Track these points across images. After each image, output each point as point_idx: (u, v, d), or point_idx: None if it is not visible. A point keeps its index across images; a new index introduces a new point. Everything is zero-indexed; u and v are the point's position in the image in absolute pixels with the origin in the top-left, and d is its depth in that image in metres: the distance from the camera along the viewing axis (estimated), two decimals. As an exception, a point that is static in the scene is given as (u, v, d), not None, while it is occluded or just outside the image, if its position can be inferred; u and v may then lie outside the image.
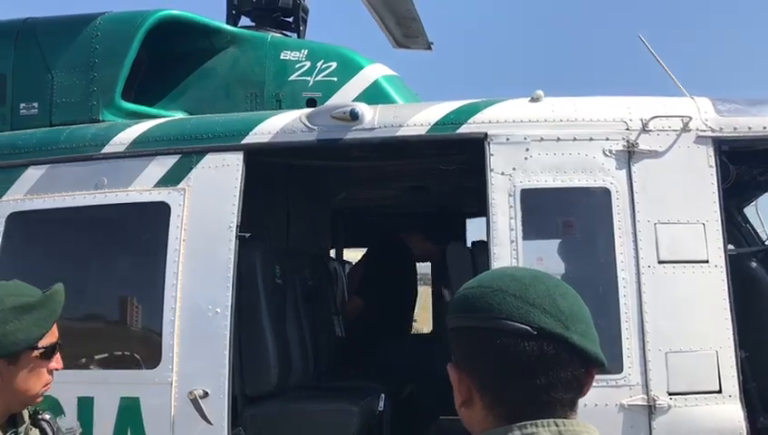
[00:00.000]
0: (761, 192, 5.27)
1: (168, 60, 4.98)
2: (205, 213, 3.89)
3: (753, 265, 4.08)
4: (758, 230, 5.52)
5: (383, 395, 4.39)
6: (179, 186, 3.97)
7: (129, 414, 3.70)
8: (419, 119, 3.91)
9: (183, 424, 3.65)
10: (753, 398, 3.81)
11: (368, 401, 4.25)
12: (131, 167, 4.05)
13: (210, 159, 4.00)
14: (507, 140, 3.79)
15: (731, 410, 3.46)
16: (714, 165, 3.75)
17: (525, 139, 3.78)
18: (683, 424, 3.45)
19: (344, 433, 4.03)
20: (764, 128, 3.81)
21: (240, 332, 3.92)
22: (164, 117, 4.55)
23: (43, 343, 2.18)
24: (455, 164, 5.07)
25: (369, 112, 3.96)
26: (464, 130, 3.86)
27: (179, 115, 4.74)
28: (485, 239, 3.99)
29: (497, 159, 3.76)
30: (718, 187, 3.73)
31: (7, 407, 2.23)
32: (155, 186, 4.01)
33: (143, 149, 4.10)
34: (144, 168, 4.04)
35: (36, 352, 2.18)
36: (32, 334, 2.16)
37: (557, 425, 1.22)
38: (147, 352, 3.87)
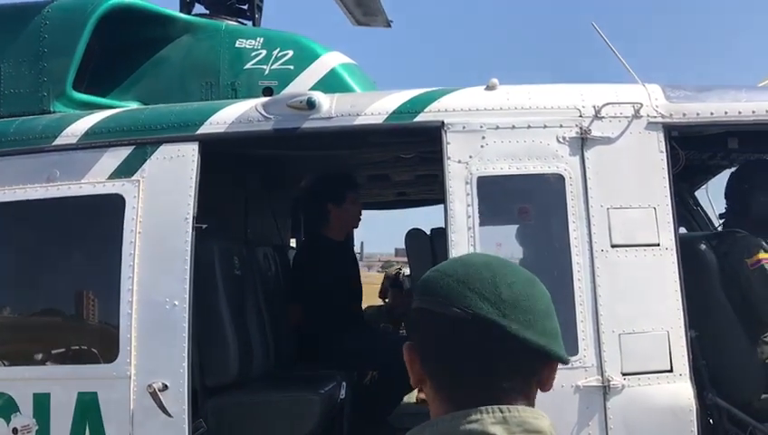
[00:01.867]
0: (711, 176, 5.42)
1: (121, 49, 4.89)
2: (160, 205, 3.85)
3: (703, 247, 4.19)
4: (708, 213, 5.68)
5: (344, 383, 4.41)
6: (134, 177, 3.92)
7: (87, 409, 3.66)
8: (377, 108, 3.92)
9: (142, 418, 3.63)
10: (702, 376, 3.93)
11: (329, 390, 4.28)
12: (84, 159, 3.98)
13: (165, 150, 3.95)
14: (463, 128, 3.82)
15: (682, 388, 3.56)
16: (664, 150, 3.83)
17: (481, 127, 3.82)
18: (636, 403, 3.54)
19: (306, 422, 4.05)
20: (711, 114, 3.90)
21: (199, 323, 3.90)
22: (117, 107, 4.47)
23: None
24: (414, 152, 5.11)
25: (326, 101, 3.95)
26: (421, 118, 3.88)
27: (133, 105, 4.67)
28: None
29: (454, 148, 3.80)
30: (668, 172, 3.82)
31: None
32: (109, 178, 3.95)
33: (96, 141, 4.03)
34: (97, 159, 3.98)
35: None
36: None
37: (502, 411, 1.23)
38: (104, 346, 3.82)
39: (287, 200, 5.98)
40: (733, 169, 4.85)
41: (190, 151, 3.91)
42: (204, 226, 3.84)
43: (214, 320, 4.06)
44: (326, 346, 4.98)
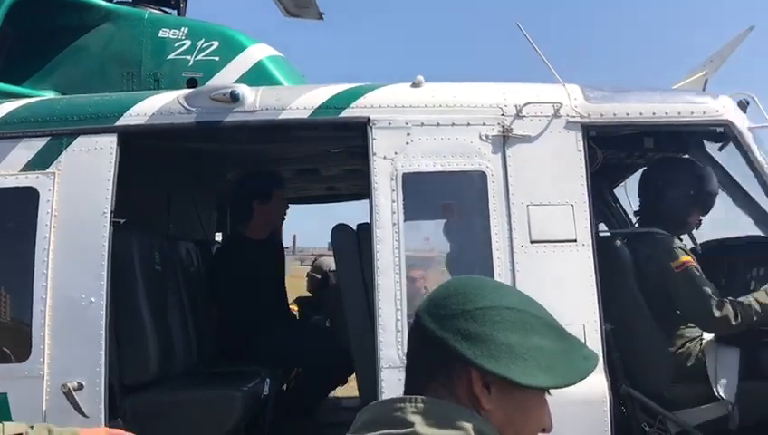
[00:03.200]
0: (629, 174, 5.60)
1: (37, 36, 4.72)
2: (76, 198, 3.73)
3: (618, 244, 4.34)
4: (626, 209, 5.89)
5: (268, 379, 4.38)
6: (49, 170, 3.78)
7: (-4, 410, 3.52)
8: (302, 102, 3.90)
9: (56, 418, 3.49)
10: (616, 367, 4.08)
11: (252, 386, 4.23)
12: None
13: (82, 142, 3.83)
14: (389, 124, 3.84)
15: (596, 381, 3.66)
16: (582, 149, 3.94)
17: (407, 123, 3.84)
18: (553, 396, 3.63)
19: (227, 419, 3.99)
20: (627, 114, 4.04)
21: (118, 320, 3.80)
22: (32, 97, 4.30)
23: None
24: (343, 147, 5.10)
25: (250, 94, 3.91)
26: (347, 114, 3.87)
27: (50, 95, 4.51)
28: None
29: (380, 144, 3.81)
30: (586, 170, 3.93)
31: None
32: (22, 170, 3.79)
33: (9, 131, 3.86)
34: (10, 150, 3.82)
35: None
36: None
37: (423, 402, 1.26)
38: (15, 345, 3.66)
39: (212, 195, 5.87)
40: (645, 168, 5.03)
41: (108, 144, 3.80)
42: (122, 220, 3.74)
43: (132, 316, 3.95)
44: (251, 344, 4.92)
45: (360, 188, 7.00)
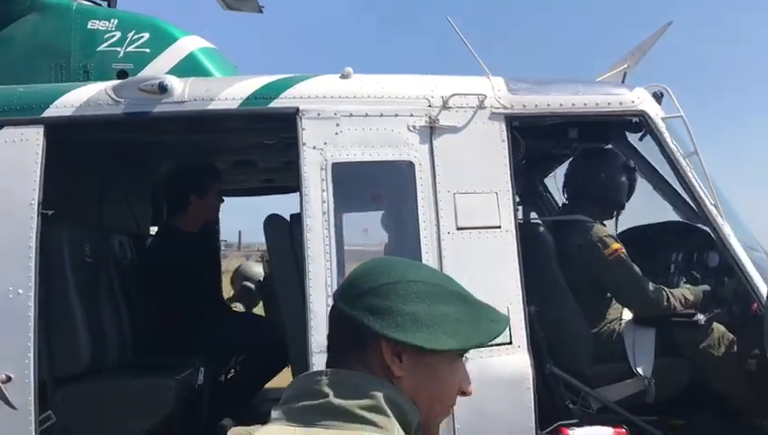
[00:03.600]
0: (558, 164, 5.80)
1: (-40, 26, 4.62)
2: (2, 190, 3.69)
3: (541, 230, 4.52)
4: (557, 199, 6.10)
5: (202, 368, 4.41)
6: None
7: None
8: (231, 93, 3.94)
9: (-16, 411, 3.48)
10: (541, 347, 4.26)
11: (186, 375, 4.26)
12: None
13: (7, 134, 3.79)
14: (318, 115, 3.92)
15: (520, 359, 3.83)
16: (505, 139, 4.08)
17: (336, 114, 3.93)
18: (479, 374, 3.72)
19: (160, 408, 4.01)
20: (548, 105, 4.20)
21: (48, 313, 3.78)
22: (-45, 89, 4.22)
23: None
24: (277, 138, 5.14)
25: (178, 85, 3.93)
26: (275, 104, 3.93)
27: (-28, 87, 4.43)
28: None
29: (309, 134, 3.88)
30: (510, 160, 4.08)
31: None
32: None
33: None
34: None
35: None
36: None
37: (337, 375, 1.36)
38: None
39: (146, 187, 5.83)
40: (570, 158, 5.23)
41: (34, 135, 3.77)
42: (50, 212, 3.72)
43: (62, 308, 3.93)
44: (186, 335, 4.93)
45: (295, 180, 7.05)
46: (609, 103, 4.27)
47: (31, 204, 3.66)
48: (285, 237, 4.34)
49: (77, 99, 3.89)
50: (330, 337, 1.44)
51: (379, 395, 1.32)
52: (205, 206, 5.21)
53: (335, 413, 1.31)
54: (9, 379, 3.48)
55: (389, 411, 1.32)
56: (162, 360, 4.47)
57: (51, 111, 3.83)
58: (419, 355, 1.36)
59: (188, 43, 4.73)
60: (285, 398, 1.38)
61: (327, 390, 1.33)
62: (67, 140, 3.93)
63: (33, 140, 3.76)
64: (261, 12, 6.56)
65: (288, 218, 4.50)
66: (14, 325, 3.53)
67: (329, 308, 1.42)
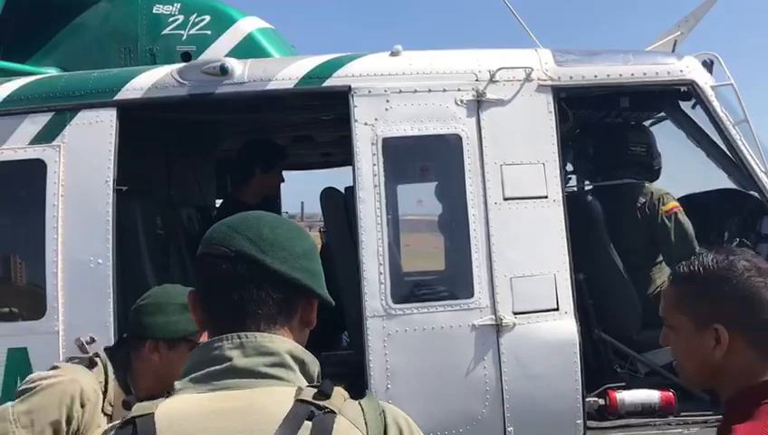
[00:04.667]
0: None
1: (38, 15, 4.97)
2: (81, 169, 4.03)
3: (590, 198, 4.61)
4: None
5: None
6: (54, 143, 4.08)
7: (18, 364, 3.86)
8: (287, 73, 4.15)
9: (72, 369, 3.84)
10: (589, 314, 4.39)
11: None
12: (4, 125, 4.11)
13: (84, 116, 4.11)
14: (369, 92, 4.10)
15: (567, 325, 3.97)
16: (552, 111, 4.18)
17: (386, 91, 4.10)
18: (526, 339, 3.94)
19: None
20: (595, 76, 4.27)
21: (124, 279, 4.12)
22: (36, 74, 4.57)
23: (198, 339, 2.47)
24: (333, 114, 5.35)
25: (239, 67, 4.16)
26: (329, 83, 4.13)
27: (52, 72, 4.77)
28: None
29: (360, 111, 4.07)
30: (557, 130, 4.17)
31: (154, 386, 2.55)
32: (30, 143, 4.09)
33: (16, 108, 4.15)
34: (17, 126, 4.11)
35: (190, 345, 2.49)
36: (189, 328, 2.51)
37: (240, 338, 1.36)
38: (32, 304, 4.01)
39: (210, 162, 6.14)
40: (613, 126, 5.26)
41: (108, 117, 4.08)
42: (124, 188, 4.03)
43: (138, 276, 4.27)
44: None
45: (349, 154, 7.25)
46: (656, 73, 4.31)
47: (107, 181, 3.98)
48: (340, 209, 4.56)
49: (146, 82, 4.17)
50: (243, 293, 1.39)
51: (283, 351, 1.37)
52: (267, 179, 5.45)
53: (241, 374, 1.33)
54: (93, 340, 3.83)
55: (294, 365, 1.37)
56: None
57: (122, 94, 4.13)
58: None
59: (247, 25, 4.96)
60: (187, 369, 1.39)
61: (229, 353, 1.35)
62: (137, 121, 4.23)
63: (107, 121, 4.07)
64: None
65: (343, 191, 4.71)
66: (96, 292, 3.88)
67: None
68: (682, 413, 4.12)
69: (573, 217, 4.14)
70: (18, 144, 4.09)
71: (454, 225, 4.05)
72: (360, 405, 1.36)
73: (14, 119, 4.12)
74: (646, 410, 4.12)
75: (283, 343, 1.39)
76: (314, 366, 1.42)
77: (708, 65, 4.46)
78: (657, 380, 4.32)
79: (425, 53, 4.30)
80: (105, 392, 2.58)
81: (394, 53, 4.24)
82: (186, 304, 2.53)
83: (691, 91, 4.36)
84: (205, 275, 1.44)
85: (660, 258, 4.69)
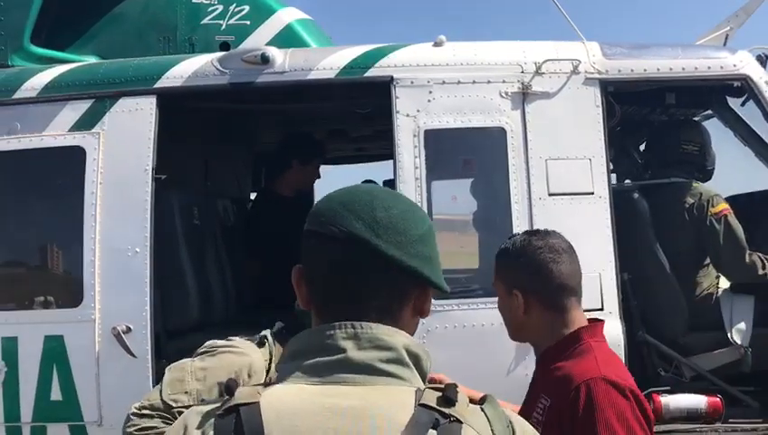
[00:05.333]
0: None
1: (79, 3, 4.95)
2: (120, 156, 4.00)
3: (636, 196, 4.47)
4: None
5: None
6: (94, 130, 4.05)
7: (54, 352, 3.85)
8: (328, 62, 4.08)
9: (108, 358, 3.83)
10: (634, 315, 4.25)
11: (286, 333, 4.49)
12: (44, 112, 4.10)
13: (123, 104, 4.08)
14: (412, 83, 4.01)
15: (612, 326, 3.81)
16: (600, 105, 4.06)
17: (428, 82, 4.01)
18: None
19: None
20: (645, 70, 4.14)
21: (161, 270, 4.08)
22: (75, 61, 4.56)
23: None
24: (370, 107, 5.27)
25: (279, 56, 4.10)
26: (371, 73, 4.05)
27: (91, 60, 4.76)
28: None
29: (403, 102, 3.99)
30: (604, 125, 4.05)
31: None
32: (69, 130, 4.07)
33: (56, 94, 4.14)
34: (57, 112, 4.10)
35: None
36: None
37: (354, 328, 1.24)
38: (69, 292, 4.00)
39: (247, 154, 6.11)
40: (663, 122, 5.11)
41: (148, 105, 4.05)
42: (163, 176, 3.99)
43: (174, 266, 4.24)
44: (285, 294, 5.15)
45: (390, 149, 7.18)
46: (708, 67, 4.16)
47: (146, 169, 3.95)
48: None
49: (186, 70, 4.13)
50: (354, 278, 1.27)
51: (400, 346, 1.25)
52: (304, 173, 5.40)
53: (355, 368, 1.22)
54: (129, 329, 3.80)
55: (410, 362, 1.26)
56: (263, 319, 4.71)
57: (162, 83, 4.10)
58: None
59: (286, 15, 4.90)
60: (292, 353, 1.28)
61: (343, 344, 1.23)
62: (176, 109, 4.19)
63: (147, 109, 4.04)
64: None
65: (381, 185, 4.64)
66: (132, 281, 3.85)
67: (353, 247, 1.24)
68: (729, 420, 3.97)
69: (619, 214, 4.01)
70: (58, 131, 4.07)
71: (497, 219, 3.95)
72: (485, 413, 1.24)
73: (55, 105, 4.11)
74: (692, 416, 3.97)
75: (399, 336, 1.26)
76: (428, 361, 1.29)
77: (763, 60, 4.30)
78: (704, 385, 4.17)
79: (469, 44, 4.20)
80: (268, 371, 2.84)
81: (437, 44, 4.15)
82: None
83: (744, 86, 4.20)
84: (312, 254, 1.32)
85: (707, 261, 4.53)
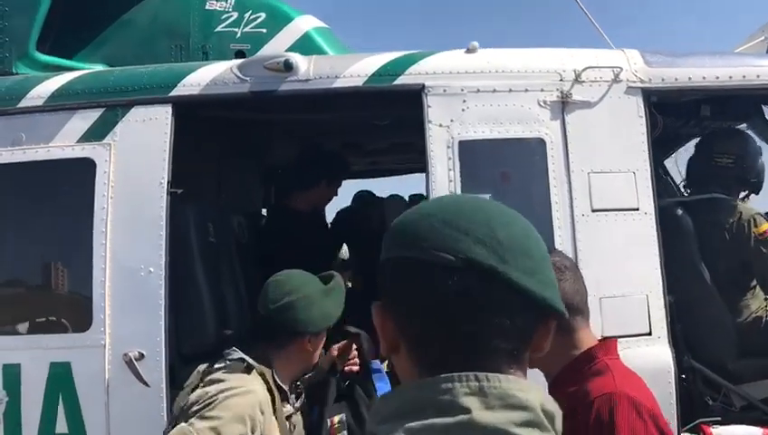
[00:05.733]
0: (680, 145, 5.46)
1: (86, 9, 4.72)
2: (133, 169, 3.73)
3: (680, 212, 4.22)
4: (677, 182, 5.74)
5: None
6: (105, 141, 3.79)
7: (60, 380, 3.56)
8: (356, 70, 3.84)
9: (119, 387, 3.54)
10: (679, 339, 3.98)
11: None
12: (52, 121, 3.84)
13: (137, 113, 3.82)
14: (444, 91, 3.77)
15: (660, 351, 3.59)
16: (643, 115, 3.83)
17: (462, 90, 3.76)
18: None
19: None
20: (690, 79, 3.91)
21: (175, 291, 3.81)
22: (83, 69, 4.31)
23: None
24: (389, 119, 5.04)
25: (303, 63, 3.86)
26: (401, 81, 3.81)
27: (99, 68, 4.51)
28: (423, 192, 3.98)
29: (435, 111, 3.74)
30: (648, 137, 3.82)
31: (298, 374, 2.78)
32: (78, 141, 3.81)
33: (64, 103, 3.88)
34: (65, 122, 3.84)
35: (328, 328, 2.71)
36: (335, 312, 2.73)
37: (479, 380, 1.00)
38: (77, 314, 3.71)
39: (259, 168, 5.84)
40: (703, 135, 4.89)
41: (163, 114, 3.79)
42: (179, 190, 3.73)
43: (190, 287, 3.95)
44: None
45: (404, 163, 6.96)
46: (758, 76, 3.93)
47: (161, 183, 3.68)
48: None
49: (204, 78, 3.88)
50: (474, 317, 1.03)
51: (536, 405, 1.01)
52: (328, 192, 5.17)
53: (484, 434, 0.97)
54: (142, 356, 3.52)
55: (548, 424, 1.02)
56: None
57: (179, 90, 3.84)
58: None
59: (304, 23, 4.68)
60: (395, 411, 1.02)
61: (466, 402, 0.98)
62: (189, 119, 3.93)
63: (162, 118, 3.78)
64: None
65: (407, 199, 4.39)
66: (146, 303, 3.57)
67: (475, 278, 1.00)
68: (785, 453, 3.70)
69: (662, 231, 3.76)
70: (66, 142, 3.81)
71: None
72: None
73: (62, 115, 3.85)
74: (746, 449, 3.71)
75: (534, 391, 1.02)
76: (560, 419, 1.04)
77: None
78: (756, 415, 3.91)
79: (503, 51, 3.97)
80: (272, 396, 2.57)
81: (470, 50, 3.91)
82: (325, 289, 2.73)
83: (795, 95, 3.98)
84: (411, 289, 1.04)
85: (754, 283, 4.27)
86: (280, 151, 5.89)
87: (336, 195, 5.39)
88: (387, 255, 1.10)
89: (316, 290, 2.69)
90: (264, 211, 6.18)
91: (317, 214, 5.58)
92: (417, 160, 6.77)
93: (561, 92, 3.79)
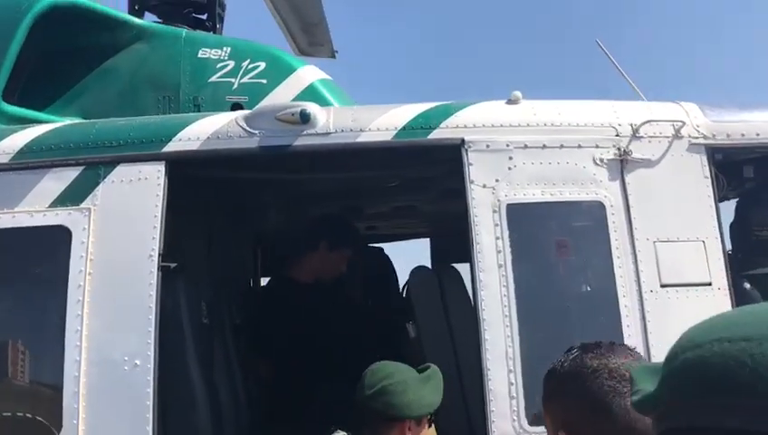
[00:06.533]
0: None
1: (61, 56, 4.17)
2: (117, 239, 3.10)
3: (747, 286, 3.72)
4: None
5: None
6: (83, 205, 3.17)
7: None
8: (383, 122, 3.30)
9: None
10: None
11: None
12: (19, 182, 3.20)
13: (122, 172, 3.22)
14: (487, 147, 3.25)
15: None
16: (709, 175, 3.37)
17: (508, 145, 3.26)
18: None
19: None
20: (757, 134, 3.47)
21: (163, 382, 3.14)
22: (55, 123, 3.71)
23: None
24: (397, 180, 4.52)
25: (321, 114, 3.31)
26: (437, 135, 3.28)
27: (75, 121, 3.92)
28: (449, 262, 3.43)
29: (477, 169, 3.21)
30: (715, 199, 3.35)
31: None
32: (51, 205, 3.18)
33: (35, 160, 3.26)
34: (36, 183, 3.21)
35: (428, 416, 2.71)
36: (434, 400, 2.74)
37: None
38: (44, 416, 2.99)
39: (250, 236, 5.23)
40: (738, 202, 4.44)
41: (155, 173, 3.19)
42: (172, 265, 3.10)
43: (181, 378, 3.29)
44: (299, 402, 4.22)
45: (402, 229, 6.43)
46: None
47: (150, 256, 3.05)
48: (434, 293, 3.64)
49: (204, 131, 3.31)
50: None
51: None
52: (330, 259, 4.47)
53: None
54: (125, 472, 2.82)
55: None
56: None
57: (174, 145, 3.26)
58: None
59: (307, 74, 4.20)
60: None
61: None
62: (178, 181, 3.33)
63: (152, 178, 3.17)
64: (334, 57, 6.19)
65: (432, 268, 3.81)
66: (130, 403, 2.90)
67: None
68: None
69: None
70: (36, 206, 3.17)
71: (601, 318, 3.13)
72: None
73: (33, 174, 3.23)
74: None
75: None
76: None
77: None
78: None
79: (551, 102, 3.49)
80: None
81: (512, 101, 3.43)
82: (421, 376, 2.72)
83: None
84: None
85: None
86: (273, 216, 5.30)
87: (345, 270, 4.67)
88: (683, 421, 0.72)
89: (411, 377, 2.70)
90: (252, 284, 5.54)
91: (325, 285, 4.89)
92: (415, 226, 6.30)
93: (619, 149, 3.31)
